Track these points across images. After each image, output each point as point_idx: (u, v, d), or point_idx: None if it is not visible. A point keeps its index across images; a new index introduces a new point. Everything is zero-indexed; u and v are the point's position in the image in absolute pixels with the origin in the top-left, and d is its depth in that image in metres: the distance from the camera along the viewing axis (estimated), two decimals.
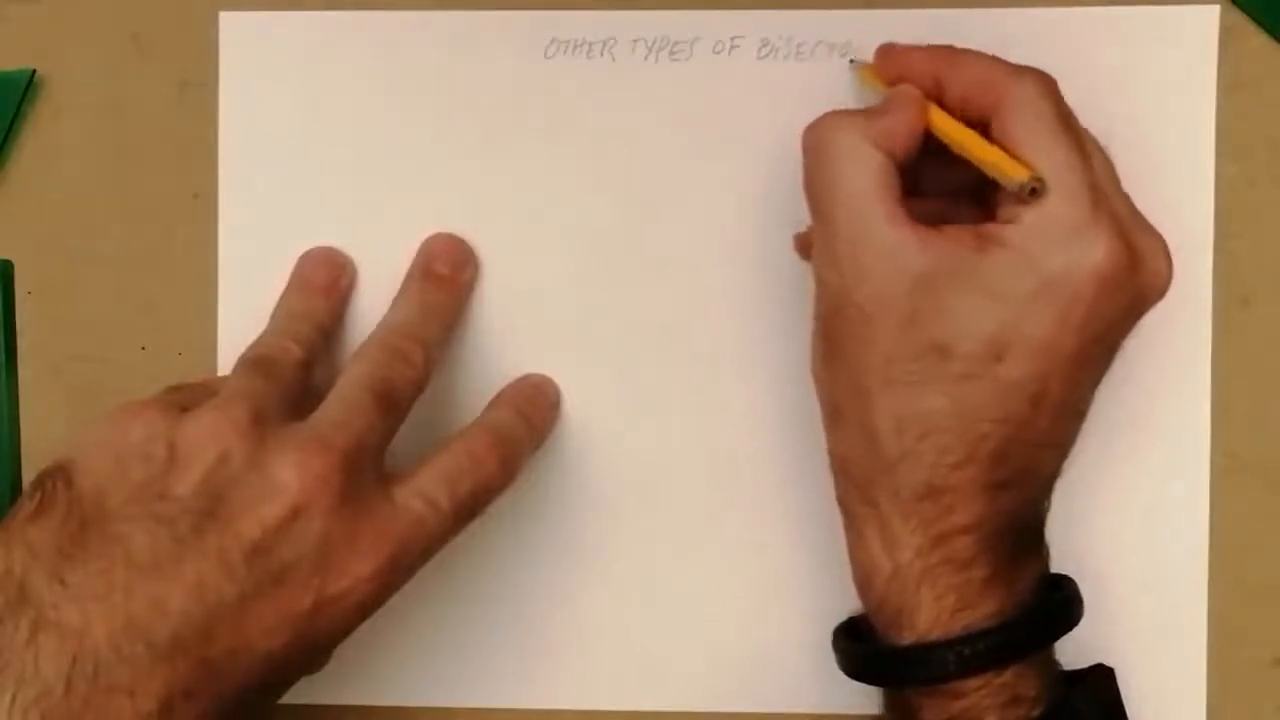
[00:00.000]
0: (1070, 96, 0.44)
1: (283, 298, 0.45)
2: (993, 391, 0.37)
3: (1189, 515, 0.45)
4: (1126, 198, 0.39)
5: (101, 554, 0.36)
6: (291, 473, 0.37)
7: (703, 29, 0.45)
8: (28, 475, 0.46)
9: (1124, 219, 0.38)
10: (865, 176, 0.38)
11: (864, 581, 0.40)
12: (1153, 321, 0.44)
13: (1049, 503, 0.40)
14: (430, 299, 0.44)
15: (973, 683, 0.38)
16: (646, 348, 0.45)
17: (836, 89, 0.45)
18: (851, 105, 0.45)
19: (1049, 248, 0.37)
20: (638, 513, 0.46)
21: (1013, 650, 0.38)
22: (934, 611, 0.38)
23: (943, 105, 0.40)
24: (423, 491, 0.39)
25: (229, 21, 0.46)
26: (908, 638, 0.38)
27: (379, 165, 0.46)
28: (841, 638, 0.42)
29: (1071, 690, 0.40)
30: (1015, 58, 0.44)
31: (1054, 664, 0.40)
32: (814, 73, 0.45)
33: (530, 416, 0.44)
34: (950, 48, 0.41)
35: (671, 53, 0.45)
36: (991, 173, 0.38)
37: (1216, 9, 0.44)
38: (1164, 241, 0.39)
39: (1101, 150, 0.40)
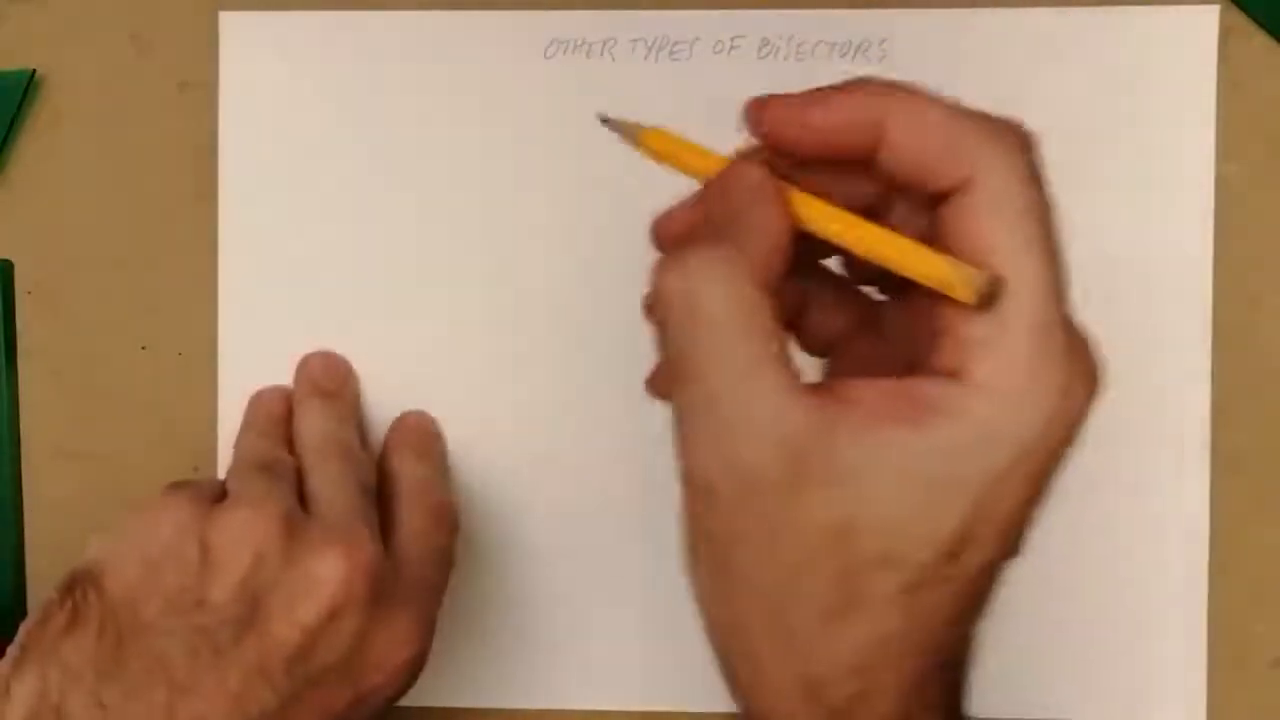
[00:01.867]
0: (1071, 96, 0.45)
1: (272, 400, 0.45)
2: (950, 589, 0.29)
3: (1189, 515, 0.45)
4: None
5: (141, 672, 0.35)
6: (331, 568, 0.36)
7: (703, 29, 0.45)
8: (28, 475, 0.46)
9: (1077, 333, 0.29)
10: (757, 340, 0.28)
11: None
12: (1153, 321, 0.45)
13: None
14: (330, 408, 0.44)
15: None
16: (648, 346, 0.45)
17: None
18: None
19: (1021, 417, 0.27)
20: (639, 512, 0.45)
21: None
22: None
23: (869, 166, 0.29)
24: (418, 558, 0.40)
25: (229, 21, 0.46)
26: None
27: (379, 165, 0.46)
28: None
29: None
30: (1016, 58, 0.44)
31: None
32: (814, 73, 0.45)
33: (430, 455, 0.44)
34: (894, 86, 0.29)
35: (671, 53, 0.45)
36: (931, 285, 0.28)
37: (1216, 9, 0.44)
38: (1087, 330, 0.29)
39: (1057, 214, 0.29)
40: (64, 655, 0.35)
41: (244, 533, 0.37)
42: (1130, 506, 0.45)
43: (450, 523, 0.43)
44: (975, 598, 0.29)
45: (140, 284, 0.46)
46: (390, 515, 0.41)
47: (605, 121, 0.33)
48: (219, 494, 0.39)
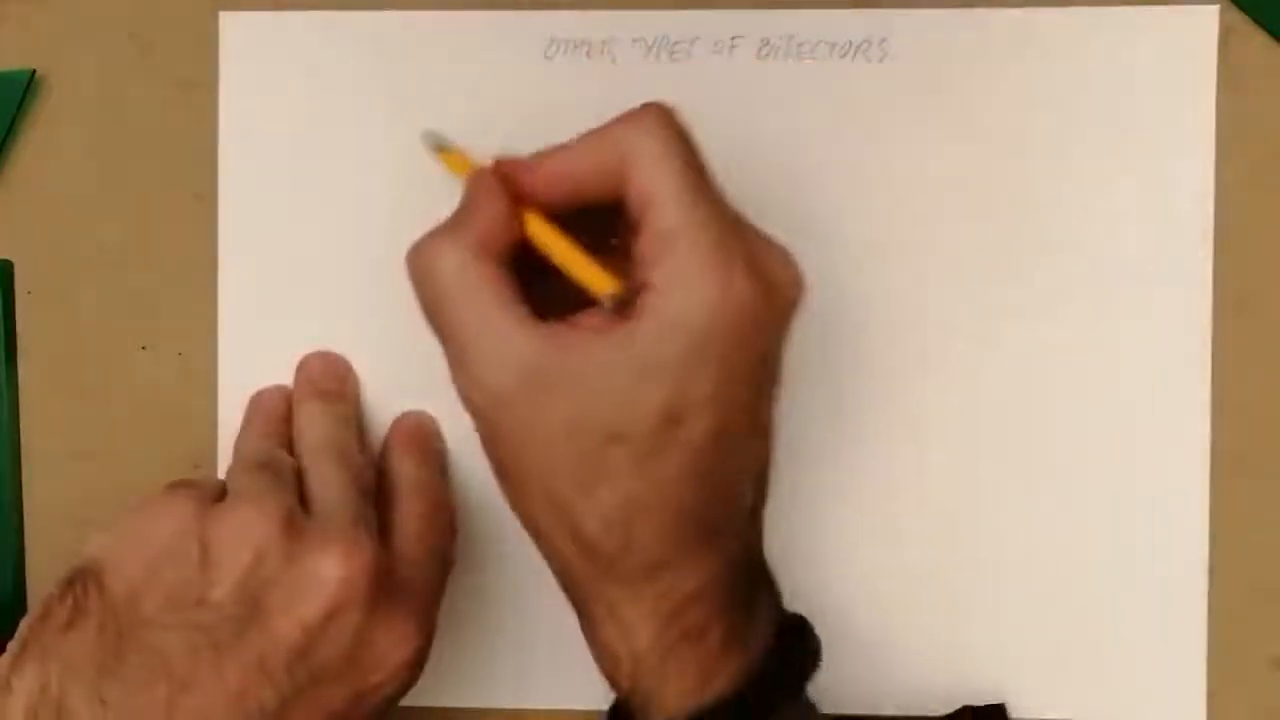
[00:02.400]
0: (1071, 96, 0.45)
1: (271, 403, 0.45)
2: (680, 455, 0.35)
3: (1189, 515, 0.45)
4: (735, 212, 0.37)
5: (142, 668, 0.35)
6: (331, 568, 0.37)
7: (703, 29, 0.45)
8: (28, 475, 0.46)
9: (749, 247, 0.36)
10: (481, 291, 0.36)
11: (609, 671, 0.39)
12: (1153, 321, 0.45)
13: (761, 529, 0.40)
14: (330, 409, 0.44)
15: None
16: None
17: (837, 89, 0.45)
18: (852, 104, 0.45)
19: (691, 307, 0.35)
20: None
21: (764, 707, 0.37)
22: (680, 688, 0.37)
23: (587, 191, 0.38)
24: (417, 559, 0.40)
25: (229, 21, 0.46)
26: (659, 718, 0.38)
27: (379, 165, 0.46)
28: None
29: None
30: (1016, 58, 0.44)
31: (813, 709, 0.40)
32: (814, 73, 0.45)
33: (430, 456, 0.44)
34: (553, 150, 0.38)
35: (671, 53, 0.45)
36: (581, 285, 0.37)
37: (1216, 9, 0.44)
38: (784, 250, 0.37)
39: (707, 163, 0.37)
40: (65, 651, 0.35)
41: (244, 531, 0.37)
42: (1130, 506, 0.45)
43: (449, 523, 0.43)
44: (715, 465, 0.36)
45: (140, 284, 0.46)
46: (390, 516, 0.41)
47: (432, 140, 0.41)
48: (219, 493, 0.39)
